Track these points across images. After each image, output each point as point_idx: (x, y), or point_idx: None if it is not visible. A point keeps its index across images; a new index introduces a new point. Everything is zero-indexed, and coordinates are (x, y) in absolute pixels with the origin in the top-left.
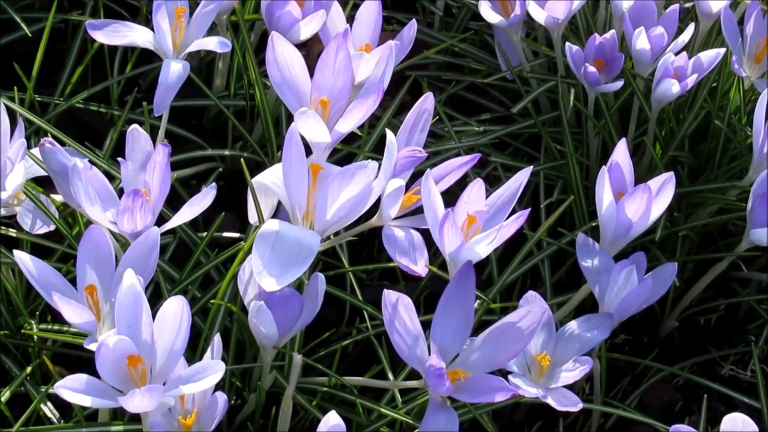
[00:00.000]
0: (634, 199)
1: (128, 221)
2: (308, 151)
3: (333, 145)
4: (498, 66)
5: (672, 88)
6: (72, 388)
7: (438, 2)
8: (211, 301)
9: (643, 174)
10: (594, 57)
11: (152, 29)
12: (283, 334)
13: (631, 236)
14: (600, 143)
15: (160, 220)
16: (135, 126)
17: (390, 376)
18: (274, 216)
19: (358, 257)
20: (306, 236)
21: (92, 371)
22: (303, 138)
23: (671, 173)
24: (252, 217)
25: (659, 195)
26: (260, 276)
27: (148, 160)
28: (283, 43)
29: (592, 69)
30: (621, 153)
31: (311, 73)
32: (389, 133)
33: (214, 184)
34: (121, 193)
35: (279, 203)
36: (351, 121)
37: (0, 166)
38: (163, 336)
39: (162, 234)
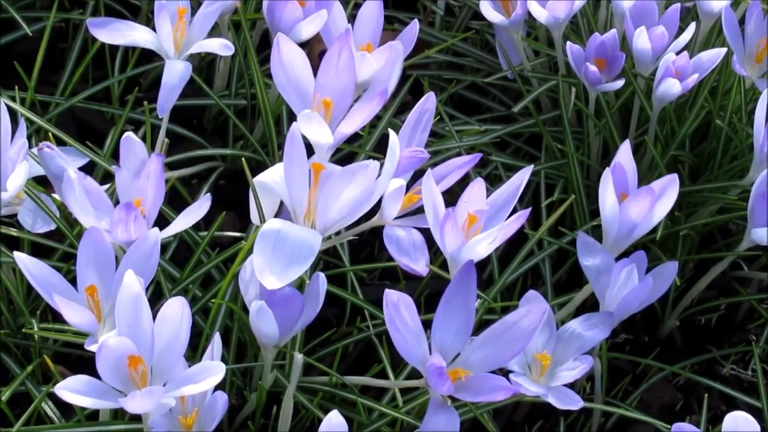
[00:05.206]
0: (637, 201)
1: (122, 232)
2: (309, 150)
3: (336, 145)
4: (499, 65)
5: (673, 87)
6: (72, 389)
7: (439, 2)
8: (212, 301)
9: (643, 173)
10: (595, 56)
11: (154, 29)
12: (283, 333)
13: (634, 238)
14: (601, 142)
15: (160, 218)
16: (129, 134)
17: (391, 375)
18: (277, 215)
19: (358, 256)
20: (307, 235)
21: (93, 370)
22: (304, 137)
23: (674, 175)
24: (254, 216)
25: (662, 197)
26: (261, 274)
27: (143, 168)
28: (288, 43)
29: (593, 68)
30: (624, 154)
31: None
32: (392, 134)
33: (209, 195)
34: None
35: (281, 203)
36: (354, 123)
37: (1, 165)
38: (163, 336)
39: None
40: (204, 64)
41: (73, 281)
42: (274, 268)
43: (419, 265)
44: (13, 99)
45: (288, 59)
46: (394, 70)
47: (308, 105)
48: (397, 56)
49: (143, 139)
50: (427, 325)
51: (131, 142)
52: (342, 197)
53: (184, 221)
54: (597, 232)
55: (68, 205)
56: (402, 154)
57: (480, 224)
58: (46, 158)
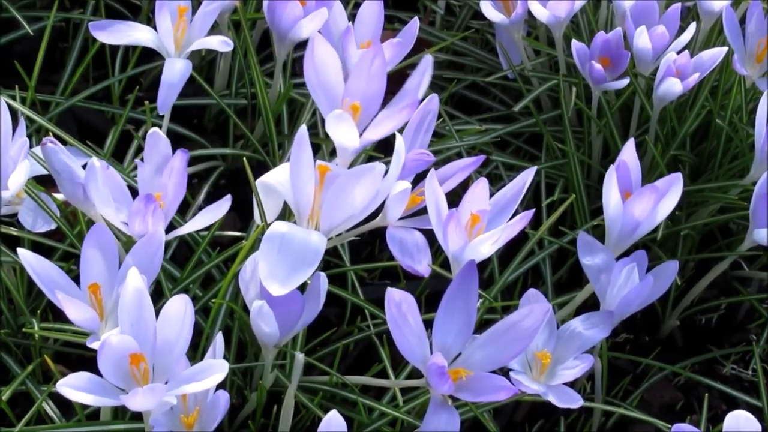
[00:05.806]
0: (641, 200)
1: (139, 224)
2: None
3: (359, 151)
4: (499, 65)
5: (674, 87)
6: (74, 386)
7: (439, 1)
8: (213, 300)
9: (644, 173)
10: (599, 54)
11: (154, 27)
12: (284, 333)
13: (637, 236)
14: (601, 142)
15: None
16: (155, 129)
17: (391, 375)
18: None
19: (359, 256)
20: (312, 238)
21: (93, 370)
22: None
23: (678, 174)
24: (258, 218)
25: (666, 196)
26: (266, 281)
27: (166, 164)
28: (323, 44)
29: (598, 66)
30: (629, 153)
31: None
32: (398, 136)
33: (229, 195)
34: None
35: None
36: (381, 130)
37: (1, 164)
38: (165, 335)
39: None
40: (204, 63)
41: (74, 280)
42: (279, 274)
43: (422, 266)
44: (14, 98)
45: (320, 60)
46: (424, 78)
47: (336, 107)
48: (427, 65)
49: (144, 138)
50: (427, 324)
51: (156, 137)
52: (348, 199)
53: (201, 220)
54: (597, 232)
55: (89, 195)
56: (407, 157)
57: (483, 224)
58: (50, 153)
